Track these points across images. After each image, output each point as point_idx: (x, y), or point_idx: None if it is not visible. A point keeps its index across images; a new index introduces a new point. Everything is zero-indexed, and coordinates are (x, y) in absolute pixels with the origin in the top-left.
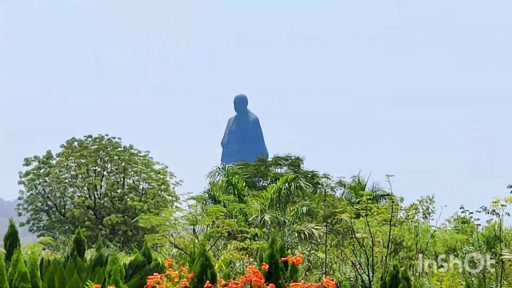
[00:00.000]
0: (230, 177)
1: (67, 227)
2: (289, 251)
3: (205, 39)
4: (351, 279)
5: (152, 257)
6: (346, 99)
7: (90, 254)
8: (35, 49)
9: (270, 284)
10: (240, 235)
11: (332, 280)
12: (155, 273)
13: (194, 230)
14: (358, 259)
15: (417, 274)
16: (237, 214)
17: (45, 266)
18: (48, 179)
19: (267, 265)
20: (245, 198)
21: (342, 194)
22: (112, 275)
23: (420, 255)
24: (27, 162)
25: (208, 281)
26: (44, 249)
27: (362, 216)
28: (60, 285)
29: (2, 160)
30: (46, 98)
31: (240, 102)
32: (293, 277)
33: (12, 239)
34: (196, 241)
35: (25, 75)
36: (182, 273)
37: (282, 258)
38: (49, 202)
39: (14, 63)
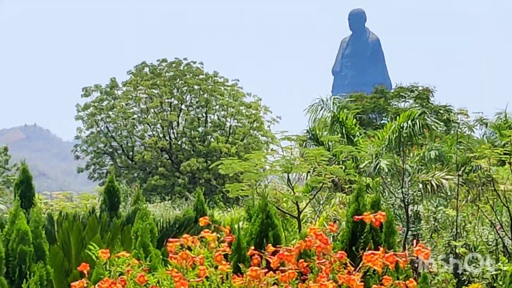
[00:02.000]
0: (338, 112)
1: (135, 174)
2: (410, 206)
3: None
4: (490, 243)
5: (208, 213)
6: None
7: (164, 208)
8: None
9: (340, 252)
10: (348, 186)
11: (466, 247)
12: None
13: (289, 179)
14: (499, 218)
15: None
16: (344, 159)
17: (59, 223)
18: (113, 113)
19: (336, 226)
20: (356, 139)
21: (483, 135)
22: (140, 237)
23: None
24: (86, 92)
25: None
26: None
27: (508, 163)
28: (77, 248)
29: (60, 90)
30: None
31: (357, 18)
32: (387, 242)
33: (24, 187)
34: (291, 193)
35: None
36: (221, 235)
37: (356, 217)
38: (114, 143)
39: None
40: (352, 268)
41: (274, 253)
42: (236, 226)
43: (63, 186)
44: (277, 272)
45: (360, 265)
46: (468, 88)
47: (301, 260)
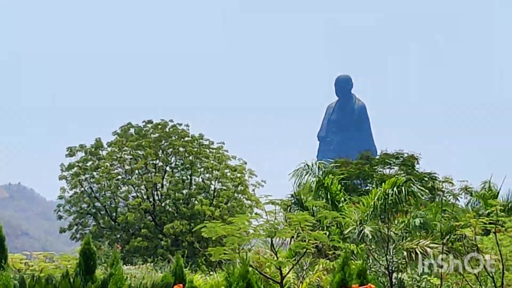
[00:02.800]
0: (323, 178)
1: (118, 236)
2: (394, 274)
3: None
4: None
5: (187, 279)
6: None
7: (146, 270)
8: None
9: None
10: (331, 252)
11: None
12: None
13: (272, 243)
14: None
15: None
16: (328, 224)
17: (30, 286)
18: (97, 174)
19: None
20: (341, 205)
21: (468, 204)
22: None
23: None
24: (71, 152)
25: None
26: None
27: (492, 233)
28: None
29: (44, 150)
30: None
31: (343, 84)
32: None
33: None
34: (274, 258)
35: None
36: None
37: (355, 286)
38: (97, 204)
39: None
40: None
41: None
42: None
43: (45, 245)
44: None
45: None
46: (454, 157)
47: None
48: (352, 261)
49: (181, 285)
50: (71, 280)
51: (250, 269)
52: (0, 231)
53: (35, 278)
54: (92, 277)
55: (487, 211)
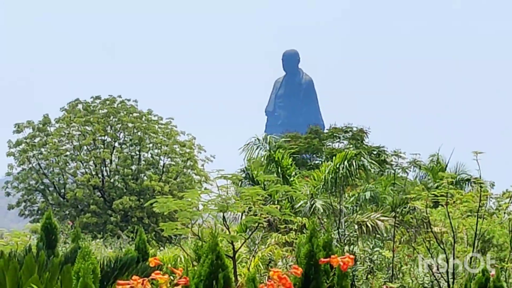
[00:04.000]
0: (273, 152)
1: (67, 212)
2: (346, 247)
3: None
4: (425, 285)
5: (150, 253)
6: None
7: (95, 246)
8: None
9: None
10: (283, 226)
11: None
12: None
13: (224, 218)
14: (434, 259)
15: (510, 280)
16: (280, 199)
17: None
18: (45, 150)
19: (301, 269)
20: (292, 179)
21: (416, 177)
22: (82, 277)
23: None
24: (19, 128)
25: None
26: (34, 238)
27: (441, 205)
28: (13, 287)
29: None
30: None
31: (291, 59)
32: (340, 286)
33: None
34: (227, 232)
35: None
36: (174, 277)
37: (323, 259)
38: (46, 180)
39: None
40: None
41: None
42: (182, 267)
43: None
44: None
45: None
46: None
47: None
48: (302, 235)
49: (157, 258)
50: (34, 255)
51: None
52: None
53: None
54: (54, 251)
55: (435, 184)
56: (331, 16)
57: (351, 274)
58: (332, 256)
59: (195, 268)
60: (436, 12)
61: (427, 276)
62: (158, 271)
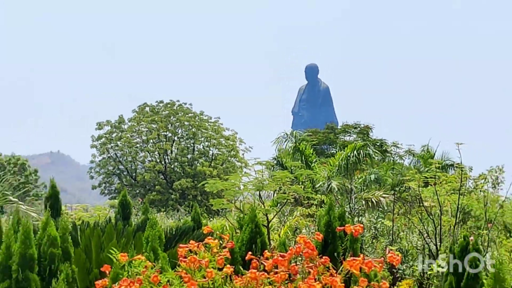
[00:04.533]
0: (298, 144)
1: (137, 191)
2: (356, 218)
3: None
4: (418, 248)
5: (203, 223)
6: (421, 56)
7: (159, 218)
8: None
9: (324, 257)
10: (306, 202)
11: (400, 251)
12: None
13: (260, 195)
14: (425, 227)
15: (485, 244)
16: (303, 180)
17: (82, 230)
18: (120, 143)
19: (322, 235)
20: (313, 165)
21: (411, 163)
22: (150, 242)
23: (489, 225)
24: (100, 126)
25: (250, 252)
26: (112, 212)
27: (431, 185)
28: (97, 251)
29: (78, 122)
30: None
31: (311, 71)
32: (352, 248)
33: (52, 201)
34: (261, 207)
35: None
36: (223, 242)
37: (339, 227)
38: (121, 166)
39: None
40: (334, 271)
41: (269, 258)
42: (229, 234)
43: (80, 200)
44: (271, 274)
45: (340, 269)
46: (400, 125)
47: (293, 264)
48: (321, 208)
49: (209, 226)
50: (113, 224)
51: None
52: (55, 187)
53: (84, 222)
54: (128, 222)
55: (426, 169)
56: (332, 15)
57: (360, 239)
58: (346, 225)
59: (238, 234)
60: (435, 12)
61: (420, 241)
62: (210, 237)
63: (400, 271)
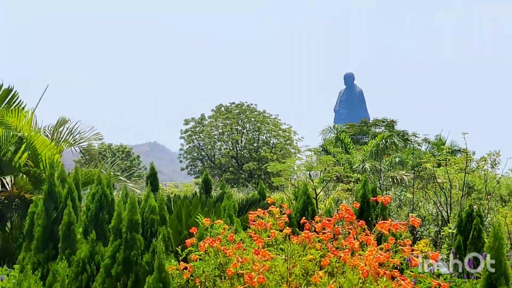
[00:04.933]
0: (339, 134)
1: (215, 172)
2: (384, 192)
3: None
4: (433, 214)
5: (267, 195)
6: (429, 68)
7: (233, 192)
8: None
9: (360, 221)
10: (345, 179)
11: (418, 217)
12: (259, 209)
13: (310, 175)
14: (438, 199)
15: (486, 211)
16: (343, 163)
17: (174, 201)
18: (202, 135)
19: (359, 204)
20: (350, 151)
21: (427, 149)
22: (227, 210)
23: (488, 197)
24: (186, 122)
25: (304, 217)
26: (197, 188)
27: (442, 166)
28: (186, 217)
29: (170, 119)
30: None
31: (349, 78)
32: (382, 215)
33: (152, 179)
34: (311, 183)
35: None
36: (282, 210)
37: (372, 198)
38: (203, 153)
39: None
40: (369, 232)
41: (318, 222)
42: (287, 204)
43: (172, 179)
44: (320, 234)
45: (373, 230)
46: (418, 118)
47: (336, 227)
48: (357, 184)
49: (272, 198)
50: (198, 197)
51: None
52: (154, 169)
53: (176, 195)
54: (209, 195)
55: (438, 153)
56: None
57: (388, 208)
58: (378, 196)
59: (294, 204)
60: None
61: (434, 209)
62: (272, 206)
63: (419, 233)
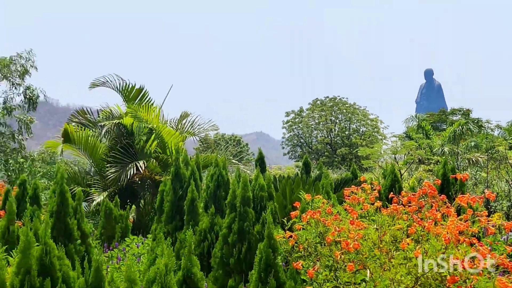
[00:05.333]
0: (420, 122)
1: (313, 156)
2: (461, 172)
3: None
4: (505, 191)
5: (358, 175)
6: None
7: (330, 173)
8: None
9: (441, 195)
10: (427, 161)
11: (493, 193)
12: (353, 186)
13: (395, 157)
14: (510, 177)
15: None
16: (424, 147)
17: (280, 180)
18: (301, 125)
19: (440, 181)
20: (430, 136)
21: (499, 133)
22: (324, 187)
23: None
24: (287, 114)
25: (392, 193)
26: (297, 169)
27: None
28: (290, 193)
29: (274, 111)
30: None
31: (429, 74)
32: (461, 190)
33: (260, 162)
34: (396, 165)
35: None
36: (373, 186)
37: (452, 175)
38: (302, 140)
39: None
40: (449, 204)
41: (404, 196)
42: (377, 181)
43: (276, 163)
44: (406, 206)
45: (453, 204)
46: (491, 106)
47: (420, 200)
48: (437, 165)
49: (364, 176)
50: (299, 177)
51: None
52: (261, 154)
53: (280, 176)
54: (309, 175)
55: (510, 137)
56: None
57: (465, 185)
58: (457, 174)
59: (382, 182)
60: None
61: (506, 186)
62: (364, 183)
63: (493, 207)
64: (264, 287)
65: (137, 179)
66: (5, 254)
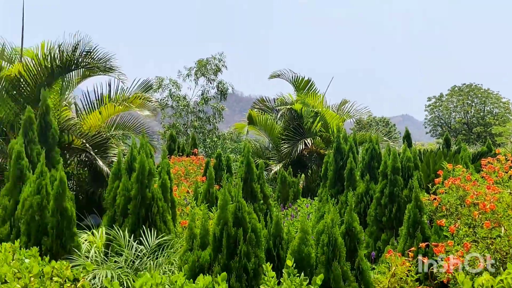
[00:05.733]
0: None
1: (452, 134)
2: None
3: None
4: None
5: (493, 149)
6: None
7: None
8: None
9: None
10: None
11: None
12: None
13: None
14: None
15: None
16: None
17: (424, 153)
18: (441, 108)
19: None
20: None
21: None
22: (463, 159)
23: None
24: (429, 99)
25: None
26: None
27: None
28: (433, 164)
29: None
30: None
31: None
32: None
33: (407, 138)
34: None
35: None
36: (507, 157)
37: None
38: (442, 121)
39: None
40: None
41: None
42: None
43: (418, 140)
44: None
45: None
46: None
47: None
48: None
49: (498, 150)
50: (442, 150)
51: None
52: (408, 131)
53: (424, 149)
54: (450, 149)
55: None
56: None
57: None
58: None
59: None
60: None
61: None
62: (499, 155)
63: None
64: (412, 240)
65: (306, 153)
66: (207, 210)
